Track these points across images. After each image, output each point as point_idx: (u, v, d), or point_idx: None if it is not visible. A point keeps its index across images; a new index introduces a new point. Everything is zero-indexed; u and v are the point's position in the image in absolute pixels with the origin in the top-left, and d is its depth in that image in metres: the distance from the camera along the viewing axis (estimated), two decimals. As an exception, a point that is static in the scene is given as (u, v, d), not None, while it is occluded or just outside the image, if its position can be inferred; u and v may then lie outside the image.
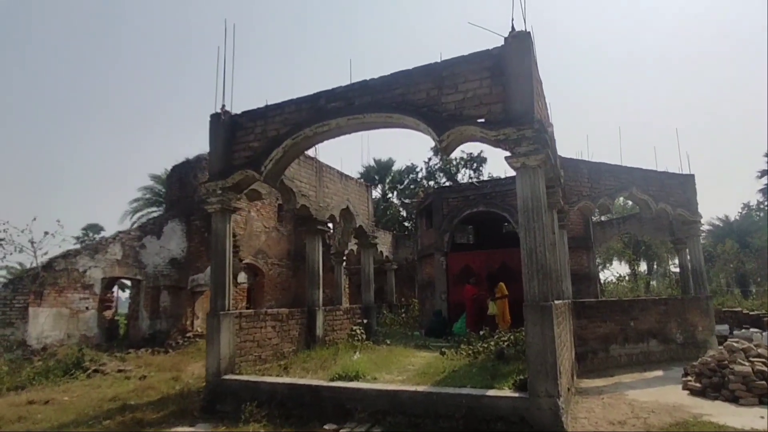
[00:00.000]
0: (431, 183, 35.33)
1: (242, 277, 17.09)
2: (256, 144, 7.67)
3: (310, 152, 10.83)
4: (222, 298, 7.40)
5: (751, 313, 15.45)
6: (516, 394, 5.37)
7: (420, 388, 5.87)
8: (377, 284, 25.91)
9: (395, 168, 40.30)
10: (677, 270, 36.83)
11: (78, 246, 15.25)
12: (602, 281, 30.91)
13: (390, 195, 39.91)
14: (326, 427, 5.78)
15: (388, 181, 40.19)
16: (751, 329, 14.40)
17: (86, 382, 9.15)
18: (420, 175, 38.29)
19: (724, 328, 14.10)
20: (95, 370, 9.84)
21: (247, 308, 17.67)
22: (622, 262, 35.27)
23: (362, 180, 21.22)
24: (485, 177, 32.90)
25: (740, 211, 41.32)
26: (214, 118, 8.08)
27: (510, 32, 5.92)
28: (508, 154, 5.68)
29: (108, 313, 16.78)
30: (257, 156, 7.54)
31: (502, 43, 5.95)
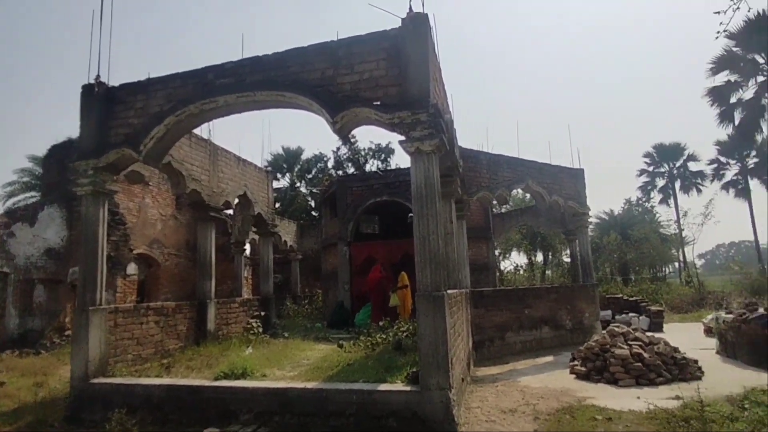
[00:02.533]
0: (339, 172, 34.98)
1: (132, 268, 15.68)
2: (135, 120, 6.87)
3: (205, 134, 10.07)
4: (92, 292, 6.56)
5: (631, 299, 16.83)
6: (408, 388, 5.21)
7: (309, 385, 5.54)
8: (282, 275, 25.21)
9: (304, 157, 39.51)
10: (569, 260, 39.72)
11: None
12: (502, 271, 32.46)
13: (298, 184, 39.04)
14: (206, 431, 5.29)
15: (296, 169, 39.26)
16: (630, 314, 15.68)
17: None
18: (329, 164, 37.83)
19: (607, 314, 15.22)
20: (-61, 378, 8.42)
21: (139, 302, 16.30)
22: (521, 253, 37.24)
23: (267, 166, 20.44)
24: (393, 167, 33.11)
25: (623, 205, 45.19)
26: (87, 89, 7.14)
27: (408, 13, 5.72)
28: (403, 138, 5.49)
29: (-34, 311, 14.73)
30: (136, 133, 6.75)
31: (399, 24, 5.74)
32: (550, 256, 38.36)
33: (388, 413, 5.09)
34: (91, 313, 6.45)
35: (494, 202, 11.51)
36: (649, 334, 9.07)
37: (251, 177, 11.54)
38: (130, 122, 6.88)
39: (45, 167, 16.42)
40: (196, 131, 9.43)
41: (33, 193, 25.25)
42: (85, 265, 6.68)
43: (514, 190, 11.76)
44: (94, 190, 6.76)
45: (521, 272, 32.81)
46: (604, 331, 9.17)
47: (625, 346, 8.14)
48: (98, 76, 7.19)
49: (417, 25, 5.67)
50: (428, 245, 5.21)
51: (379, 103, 5.59)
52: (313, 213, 35.71)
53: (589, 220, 14.17)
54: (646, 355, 7.84)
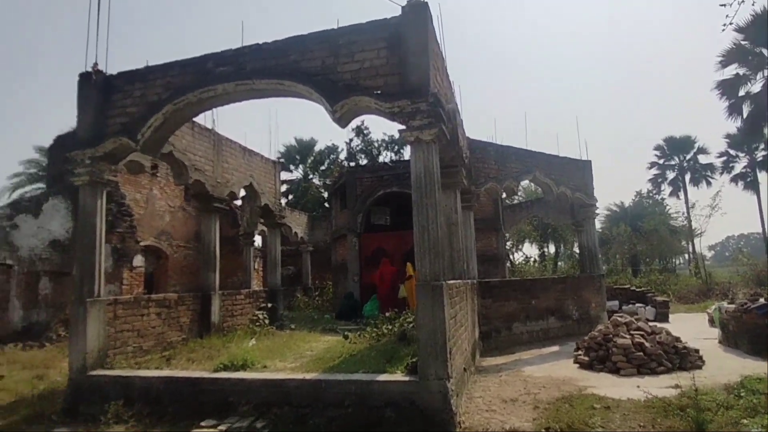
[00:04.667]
0: (352, 164, 34.90)
1: (139, 260, 15.71)
2: (133, 109, 6.80)
3: (209, 124, 10.01)
4: (90, 284, 6.51)
5: (638, 289, 16.66)
6: (406, 378, 5.14)
7: (308, 376, 5.48)
8: (294, 267, 25.22)
9: (317, 148, 39.44)
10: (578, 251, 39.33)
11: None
12: (513, 262, 32.30)
13: (311, 176, 39.02)
14: (203, 423, 5.24)
15: (309, 161, 39.25)
16: (637, 304, 15.55)
17: None
18: (342, 156, 37.72)
19: (614, 304, 15.09)
20: (-58, 371, 8.45)
21: (146, 294, 16.34)
22: (532, 244, 37.06)
23: (280, 158, 20.30)
24: (407, 159, 32.87)
25: (633, 198, 44.86)
26: (84, 78, 7.06)
27: (408, 1, 5.61)
28: (403, 127, 5.38)
29: (-27, 305, 14.83)
30: (134, 122, 6.68)
31: (400, 12, 5.63)
32: (562, 248, 38.11)
33: (386, 403, 5.02)
34: (89, 304, 6.42)
35: (502, 192, 11.37)
36: (653, 324, 8.96)
37: (257, 167, 11.45)
38: (128, 111, 6.81)
39: (50, 158, 16.47)
40: (200, 120, 9.38)
41: (40, 185, 25.38)
42: (81, 257, 6.64)
43: (523, 182, 11.60)
44: (92, 180, 6.70)
45: (532, 264, 32.63)
46: (608, 321, 9.06)
47: (628, 336, 8.07)
48: (96, 63, 7.11)
49: (417, 13, 5.58)
50: (427, 235, 5.12)
51: (379, 92, 5.49)
52: (326, 205, 35.73)
53: (599, 211, 14.00)
54: (647, 344, 7.79)
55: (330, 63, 5.91)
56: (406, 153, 35.59)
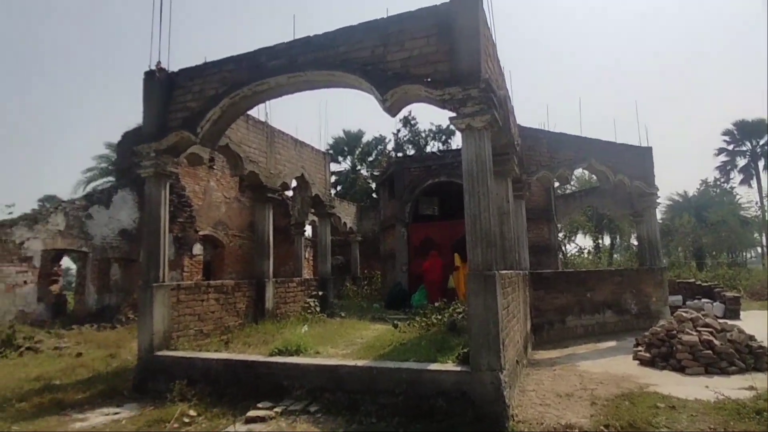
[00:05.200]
0: (399, 154, 34.94)
1: (198, 248, 16.46)
2: (193, 104, 7.10)
3: (262, 117, 10.28)
4: (155, 270, 6.91)
5: (704, 284, 15.78)
6: (458, 368, 5.12)
7: (360, 363, 5.58)
8: (343, 257, 25.60)
9: (365, 140, 39.72)
10: (635, 243, 37.73)
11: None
12: (566, 254, 31.36)
13: (359, 167, 39.38)
14: (260, 405, 5.44)
15: (357, 152, 39.61)
16: (703, 300, 14.73)
17: (15, 361, 8.55)
18: (389, 146, 37.81)
19: (677, 299, 14.38)
20: (29, 348, 9.23)
21: (205, 281, 17.12)
22: (586, 236, 35.86)
23: (329, 149, 20.56)
24: (455, 149, 32.63)
25: (698, 187, 42.50)
26: (148, 75, 7.44)
27: (457, -13, 5.51)
28: (454, 115, 5.32)
29: (54, 288, 16.00)
30: (194, 116, 6.98)
31: (449, -1, 5.56)
32: (618, 239, 36.68)
33: (437, 393, 5.03)
34: (155, 289, 6.81)
35: (555, 181, 11.04)
36: (722, 321, 8.44)
37: (308, 159, 11.69)
38: (188, 106, 7.12)
39: (118, 153, 17.45)
40: (254, 114, 9.65)
41: (110, 178, 26.99)
42: (148, 244, 7.04)
43: (578, 170, 11.21)
44: (156, 172, 7.08)
45: (585, 255, 31.60)
46: (671, 317, 8.65)
47: (694, 333, 7.66)
48: (159, 62, 7.47)
49: (467, -1, 5.46)
50: (479, 223, 5.06)
51: (429, 79, 5.44)
52: (374, 195, 36.01)
53: (660, 201, 13.30)
54: (717, 342, 7.36)
55: (379, 52, 5.92)
56: (454, 142, 35.20)
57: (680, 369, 7.22)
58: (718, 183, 41.80)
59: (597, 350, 9.18)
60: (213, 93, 6.95)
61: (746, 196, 38.57)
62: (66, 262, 25.38)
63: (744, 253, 39.11)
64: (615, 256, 35.54)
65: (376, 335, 8.23)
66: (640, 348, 8.30)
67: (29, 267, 12.17)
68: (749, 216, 36.34)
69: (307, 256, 22.42)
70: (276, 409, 5.31)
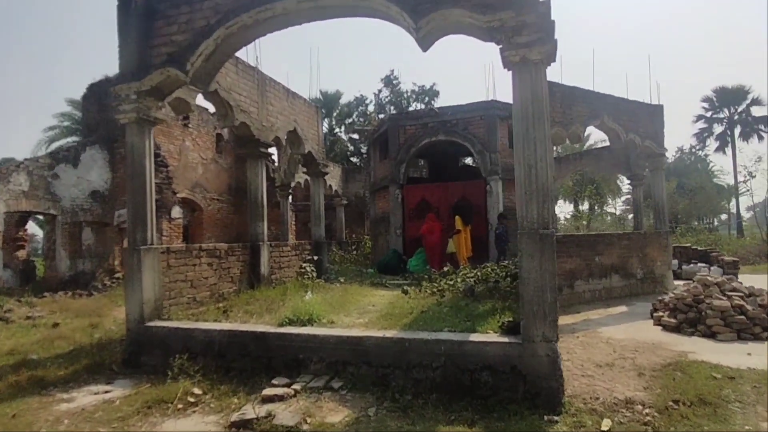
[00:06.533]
0: (381, 116, 33.79)
1: (177, 211, 15.37)
2: (180, 37, 6.04)
3: (252, 62, 9.22)
4: (143, 230, 6.01)
5: (700, 249, 15.66)
6: (506, 339, 4.50)
7: (389, 334, 4.90)
8: (326, 220, 24.78)
9: (343, 101, 38.23)
10: (613, 211, 38.01)
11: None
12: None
13: (337, 129, 38.04)
14: (275, 381, 4.75)
15: (335, 114, 38.11)
16: (699, 264, 14.62)
17: (-19, 333, 7.62)
18: (370, 108, 36.49)
19: (673, 263, 14.18)
20: (-3, 318, 8.28)
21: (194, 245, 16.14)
22: (566, 201, 35.85)
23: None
24: (453, 105, 31.60)
25: (674, 154, 42.91)
26: (123, 4, 6.31)
27: None
28: (501, 46, 4.51)
29: (21, 253, 14.81)
30: (181, 51, 5.95)
31: None
32: (596, 207, 36.74)
33: (481, 366, 4.43)
34: (143, 252, 5.93)
35: (566, 139, 10.37)
36: (749, 285, 8.10)
37: (301, 112, 10.68)
38: (174, 39, 6.07)
39: (84, 107, 15.98)
40: (243, 57, 8.62)
41: (74, 138, 25.23)
42: (133, 202, 6.09)
43: (588, 127, 10.54)
44: (139, 117, 6.08)
45: (563, 221, 31.58)
46: (692, 281, 8.27)
47: (724, 298, 7.27)
48: (137, -13, 6.36)
49: None
50: (535, 174, 4.34)
51: (474, 2, 4.57)
52: (353, 159, 34.88)
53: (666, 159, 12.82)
54: (749, 307, 7.04)
55: (411, -29, 5.00)
56: (437, 104, 34.30)
57: (711, 335, 6.92)
58: (694, 150, 42.23)
59: (610, 315, 8.84)
60: (204, 23, 5.90)
61: (719, 163, 39.14)
62: (32, 228, 23.81)
63: (714, 220, 39.95)
64: (592, 224, 35.65)
65: (387, 302, 7.57)
66: (660, 313, 7.94)
67: (-9, 230, 11.01)
68: (722, 184, 36.92)
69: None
70: (294, 386, 4.64)
